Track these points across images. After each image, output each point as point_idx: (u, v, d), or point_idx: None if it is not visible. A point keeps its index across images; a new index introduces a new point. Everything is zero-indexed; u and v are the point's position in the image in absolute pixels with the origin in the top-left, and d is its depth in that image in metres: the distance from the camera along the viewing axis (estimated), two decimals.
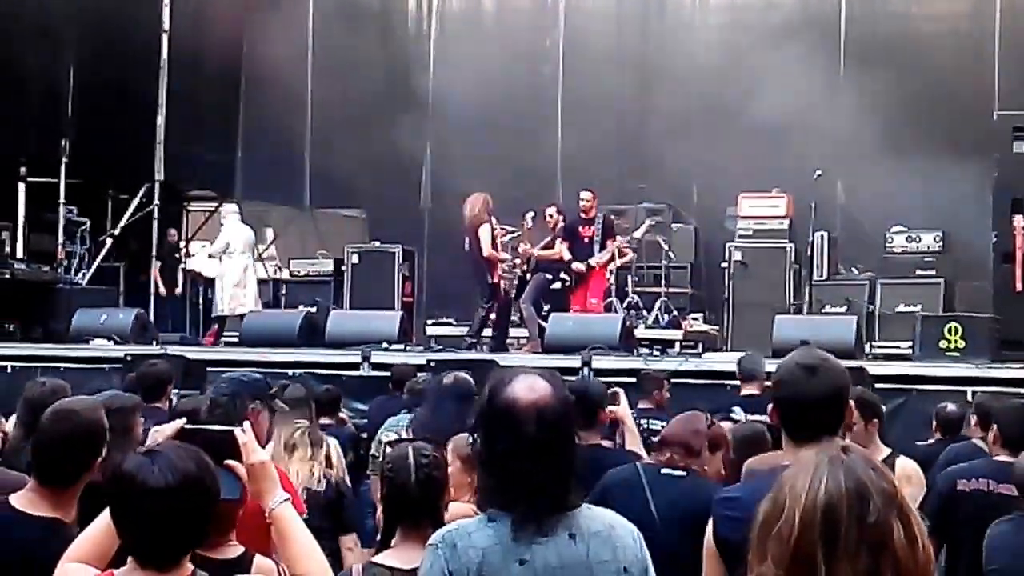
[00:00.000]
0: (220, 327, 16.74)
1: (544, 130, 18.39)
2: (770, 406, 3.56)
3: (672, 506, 4.95)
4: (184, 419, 3.50)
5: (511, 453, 2.95)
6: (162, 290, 17.50)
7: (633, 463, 5.41)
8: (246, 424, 3.47)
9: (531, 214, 15.13)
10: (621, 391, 6.75)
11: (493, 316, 14.80)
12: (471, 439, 3.75)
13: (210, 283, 18.75)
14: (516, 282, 14.91)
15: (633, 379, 9.51)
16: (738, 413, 9.03)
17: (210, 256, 17.11)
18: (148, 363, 9.14)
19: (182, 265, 18.55)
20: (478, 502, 3.16)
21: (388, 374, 11.31)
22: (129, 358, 12.13)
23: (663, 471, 5.18)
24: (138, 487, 2.92)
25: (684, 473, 5.14)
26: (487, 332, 14.85)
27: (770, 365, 11.62)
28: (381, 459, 5.02)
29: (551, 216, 14.95)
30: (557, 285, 15.62)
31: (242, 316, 15.68)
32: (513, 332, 15.46)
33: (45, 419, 4.02)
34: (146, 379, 8.60)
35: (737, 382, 9.29)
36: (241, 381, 5.15)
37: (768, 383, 9.13)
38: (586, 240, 14.86)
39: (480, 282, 14.63)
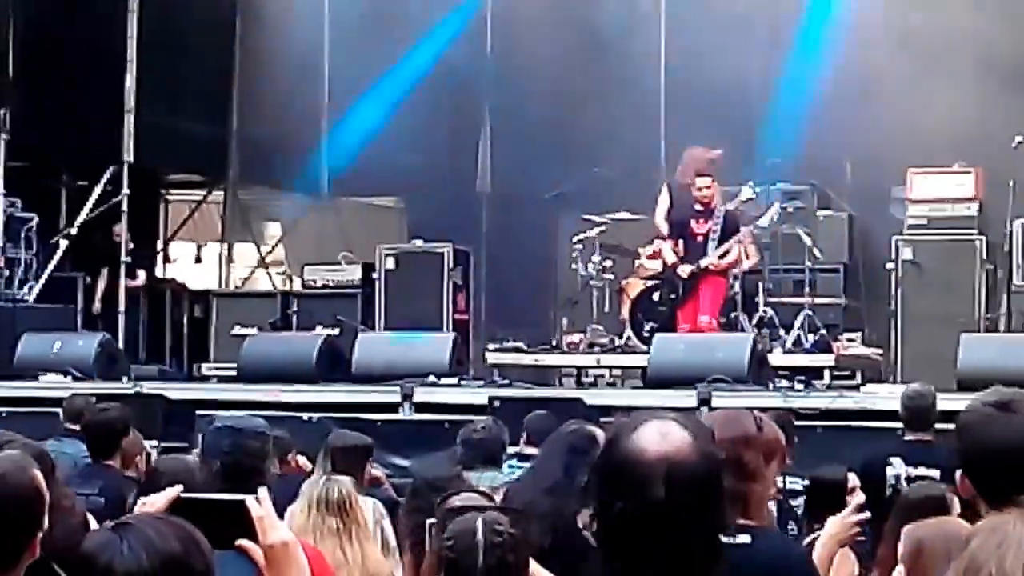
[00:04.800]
0: None
1: (640, 90, 18.32)
2: (959, 472, 3.54)
3: None
4: (180, 486, 3.46)
5: (631, 521, 2.91)
6: (96, 306, 17.55)
7: None
8: (262, 491, 3.39)
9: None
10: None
11: None
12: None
13: (198, 296, 18.83)
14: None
15: None
16: (896, 466, 8.94)
17: None
18: (99, 406, 9.18)
19: (140, 273, 18.36)
20: None
21: (436, 417, 11.31)
22: (93, 399, 12.21)
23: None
24: (100, 573, 2.88)
25: (749, 538, 4.49)
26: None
27: (957, 402, 11.54)
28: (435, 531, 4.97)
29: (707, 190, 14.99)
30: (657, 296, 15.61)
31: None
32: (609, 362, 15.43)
33: None
34: (94, 429, 8.59)
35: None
36: (258, 429, 5.11)
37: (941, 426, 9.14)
38: (699, 239, 14.84)
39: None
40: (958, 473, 3.60)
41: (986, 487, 3.52)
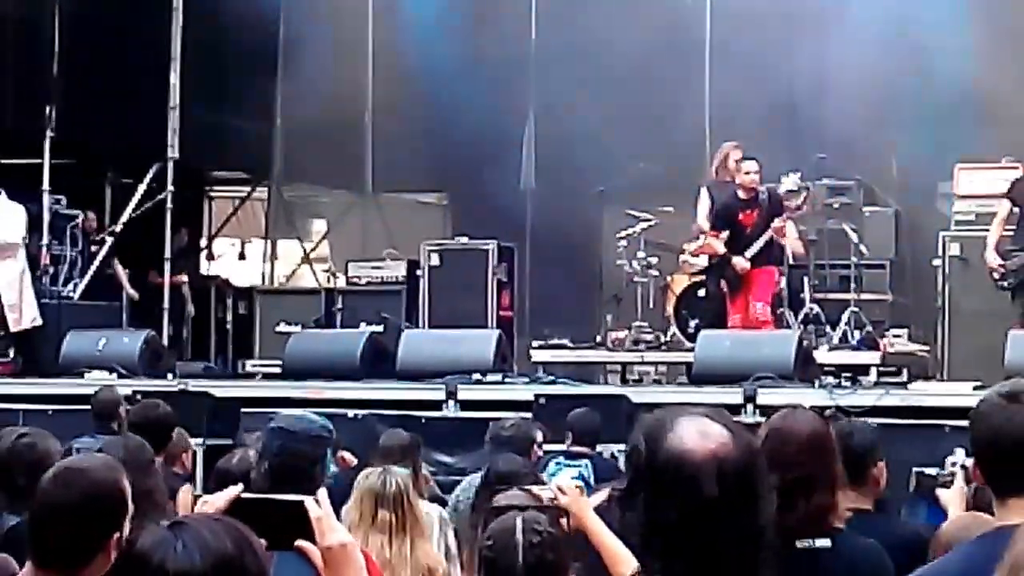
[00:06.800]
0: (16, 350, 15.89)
1: (685, 86, 18.30)
2: (971, 461, 3.63)
3: None
4: (241, 485, 3.47)
5: (685, 521, 2.91)
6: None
7: None
8: (321, 492, 3.38)
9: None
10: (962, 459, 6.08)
11: None
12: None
13: (242, 293, 18.91)
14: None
15: None
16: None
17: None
18: (146, 403, 9.21)
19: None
20: None
21: (481, 415, 11.31)
22: (138, 396, 12.25)
23: (797, 544, 4.39)
24: (153, 571, 2.89)
25: (829, 542, 4.48)
26: None
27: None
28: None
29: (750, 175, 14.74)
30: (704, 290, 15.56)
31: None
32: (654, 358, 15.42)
33: (45, 484, 4.03)
34: (147, 426, 8.61)
35: (958, 422, 9.23)
36: (312, 432, 5.12)
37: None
38: (748, 230, 14.67)
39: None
40: (970, 462, 3.67)
41: (991, 477, 3.58)
